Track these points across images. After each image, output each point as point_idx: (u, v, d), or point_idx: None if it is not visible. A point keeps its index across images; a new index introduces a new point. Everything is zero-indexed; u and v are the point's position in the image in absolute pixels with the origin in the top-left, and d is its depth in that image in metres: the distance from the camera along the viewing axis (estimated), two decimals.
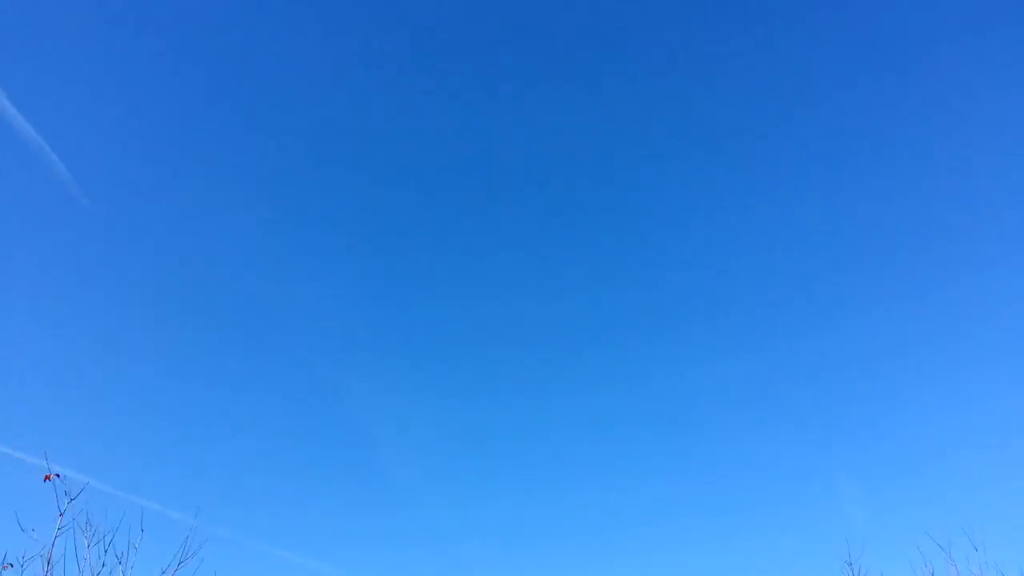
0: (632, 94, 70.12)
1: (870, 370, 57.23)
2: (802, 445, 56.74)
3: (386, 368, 57.49)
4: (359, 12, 65.10)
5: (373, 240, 62.93)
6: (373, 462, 55.89)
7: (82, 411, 52.45)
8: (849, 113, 68.49)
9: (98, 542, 11.59)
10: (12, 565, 10.95)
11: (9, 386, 50.24)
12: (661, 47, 69.59)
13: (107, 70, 63.67)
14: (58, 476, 11.45)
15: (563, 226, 66.83)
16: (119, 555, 11.54)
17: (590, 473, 54.94)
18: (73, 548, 11.37)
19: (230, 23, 64.36)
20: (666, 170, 70.22)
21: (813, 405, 60.94)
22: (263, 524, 50.23)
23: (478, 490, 57.09)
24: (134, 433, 52.41)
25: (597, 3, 67.84)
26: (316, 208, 63.14)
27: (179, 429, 52.67)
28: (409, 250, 62.82)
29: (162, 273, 58.33)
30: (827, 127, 68.21)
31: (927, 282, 66.41)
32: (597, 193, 68.44)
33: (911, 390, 60.41)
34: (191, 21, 65.98)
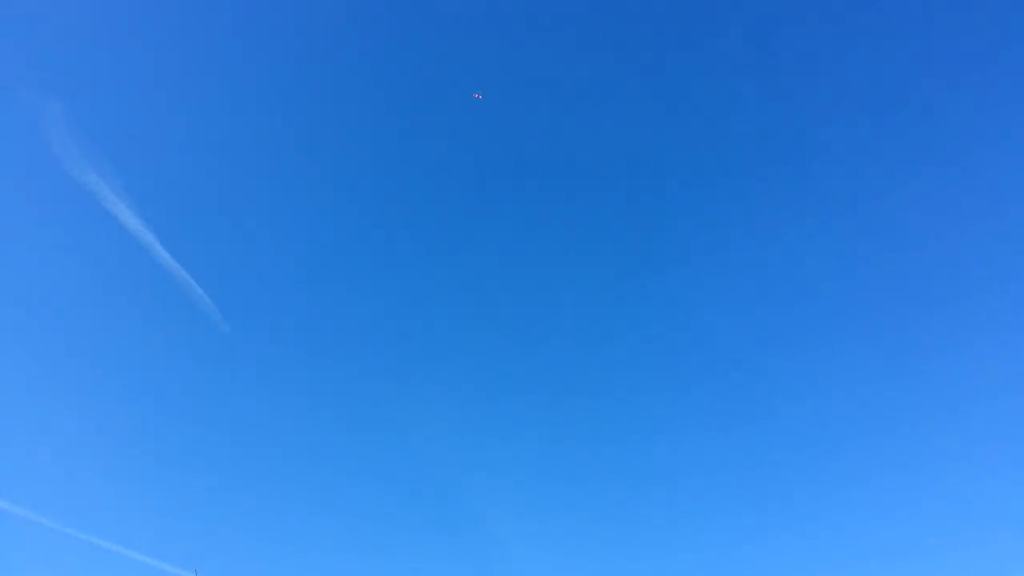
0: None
1: None
2: None
3: (501, 460, 60.44)
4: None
5: (483, 342, 65.28)
6: (490, 546, 59.11)
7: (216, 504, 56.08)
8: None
9: None
10: None
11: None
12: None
13: (243, 210, 66.68)
14: None
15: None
16: None
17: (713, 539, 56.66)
18: None
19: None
20: None
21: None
22: None
23: (598, 568, 59.85)
24: (275, 520, 56.39)
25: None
26: (431, 316, 65.80)
27: (316, 518, 56.64)
28: (521, 352, 64.88)
29: (294, 383, 61.71)
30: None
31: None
32: None
33: None
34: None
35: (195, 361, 62.46)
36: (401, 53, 67.60)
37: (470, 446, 63.90)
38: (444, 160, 68.97)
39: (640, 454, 66.06)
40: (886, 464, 62.48)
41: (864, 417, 64.39)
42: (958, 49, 66.41)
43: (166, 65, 64.57)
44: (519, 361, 69.24)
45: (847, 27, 67.85)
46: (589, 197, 72.09)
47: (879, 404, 64.67)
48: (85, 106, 61.21)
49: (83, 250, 61.02)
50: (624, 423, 67.59)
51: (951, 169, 67.22)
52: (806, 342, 69.21)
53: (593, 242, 71.66)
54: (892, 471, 62.30)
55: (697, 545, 61.53)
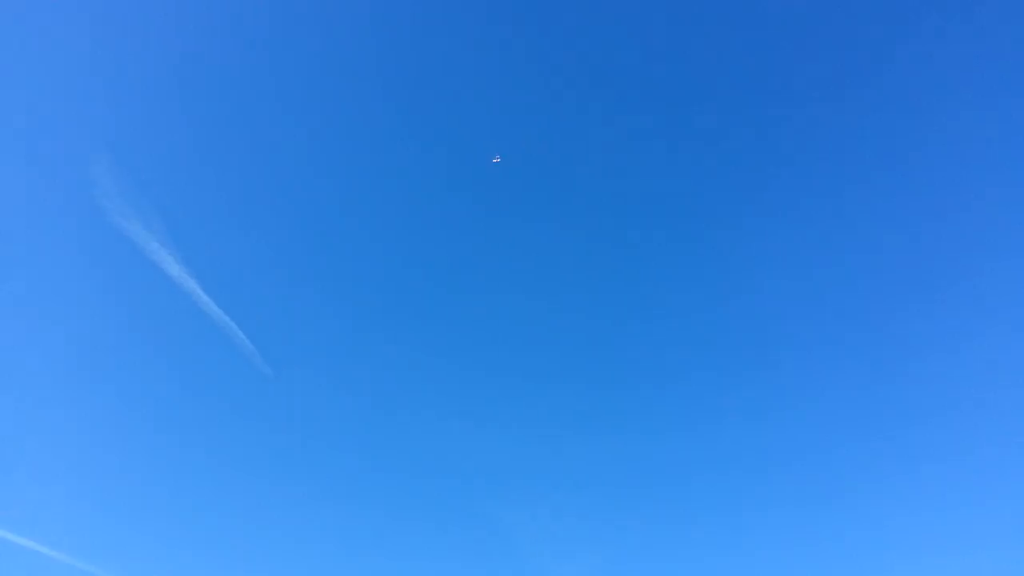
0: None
1: None
2: None
3: (540, 497, 61.28)
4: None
5: (523, 382, 66.82)
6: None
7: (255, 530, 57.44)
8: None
9: None
10: None
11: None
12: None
13: (285, 259, 69.65)
14: None
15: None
16: None
17: None
18: None
19: None
20: None
21: None
22: None
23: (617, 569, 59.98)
24: (328, 557, 57.76)
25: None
26: (468, 354, 67.81)
27: (356, 557, 57.74)
28: (559, 391, 66.49)
29: (335, 424, 63.38)
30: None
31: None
32: None
33: None
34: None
35: (239, 405, 63.20)
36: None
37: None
38: (480, 212, 70.82)
39: (659, 451, 66.51)
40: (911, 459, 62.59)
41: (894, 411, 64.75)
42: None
43: (208, 118, 67.07)
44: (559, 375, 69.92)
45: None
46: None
47: (901, 398, 65.12)
48: (130, 158, 63.42)
49: (129, 299, 62.46)
50: (643, 419, 68.14)
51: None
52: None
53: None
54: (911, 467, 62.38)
55: (714, 546, 61.59)
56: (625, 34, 70.77)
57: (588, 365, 70.11)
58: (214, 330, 62.28)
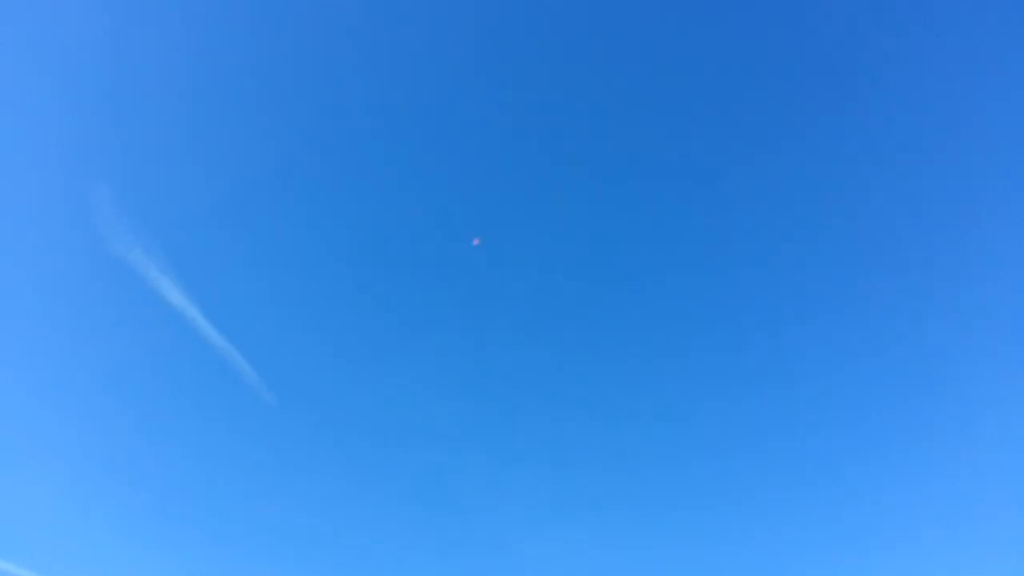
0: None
1: None
2: None
3: (548, 524, 60.26)
4: None
5: (530, 412, 65.79)
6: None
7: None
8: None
9: None
10: None
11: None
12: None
13: (287, 286, 68.69)
14: None
15: None
16: None
17: None
18: None
19: None
20: None
21: None
22: None
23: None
24: None
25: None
26: (479, 385, 66.84)
27: None
28: (567, 421, 65.55)
29: (339, 456, 62.47)
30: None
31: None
32: None
33: None
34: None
35: (241, 434, 62.18)
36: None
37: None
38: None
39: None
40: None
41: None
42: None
43: (211, 144, 66.39)
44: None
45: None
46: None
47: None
48: (130, 185, 62.75)
49: (129, 328, 61.54)
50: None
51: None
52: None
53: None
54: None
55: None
56: (623, 32, 69.80)
57: (605, 400, 68.72)
58: (216, 358, 61.34)
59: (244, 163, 64.52)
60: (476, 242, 61.02)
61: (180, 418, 60.47)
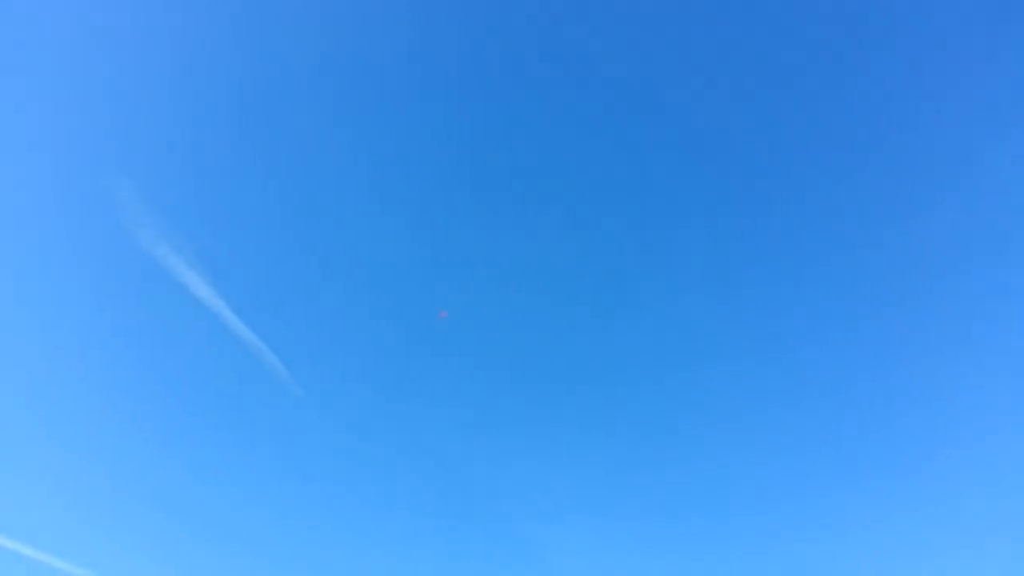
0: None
1: None
2: None
3: (579, 523, 60.95)
4: None
5: (562, 415, 66.16)
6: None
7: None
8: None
9: None
10: None
11: None
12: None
13: (313, 279, 69.10)
14: None
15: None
16: None
17: None
18: None
19: None
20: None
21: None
22: None
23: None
24: None
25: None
26: (510, 376, 67.16)
27: None
28: (600, 421, 65.93)
29: (369, 449, 62.97)
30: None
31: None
32: None
33: None
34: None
35: (269, 426, 63.53)
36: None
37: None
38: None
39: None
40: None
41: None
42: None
43: (235, 137, 67.10)
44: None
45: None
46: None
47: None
48: (155, 180, 63.43)
49: (159, 322, 62.54)
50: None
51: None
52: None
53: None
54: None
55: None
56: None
57: (634, 399, 70.07)
58: (244, 351, 62.59)
59: (270, 160, 65.36)
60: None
61: (207, 411, 61.74)
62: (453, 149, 70.11)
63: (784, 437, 67.92)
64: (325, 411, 64.01)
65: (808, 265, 70.21)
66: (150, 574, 55.22)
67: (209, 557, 57.78)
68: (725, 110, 69.49)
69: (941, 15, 64.59)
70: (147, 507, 57.95)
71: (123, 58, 62.84)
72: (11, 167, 62.37)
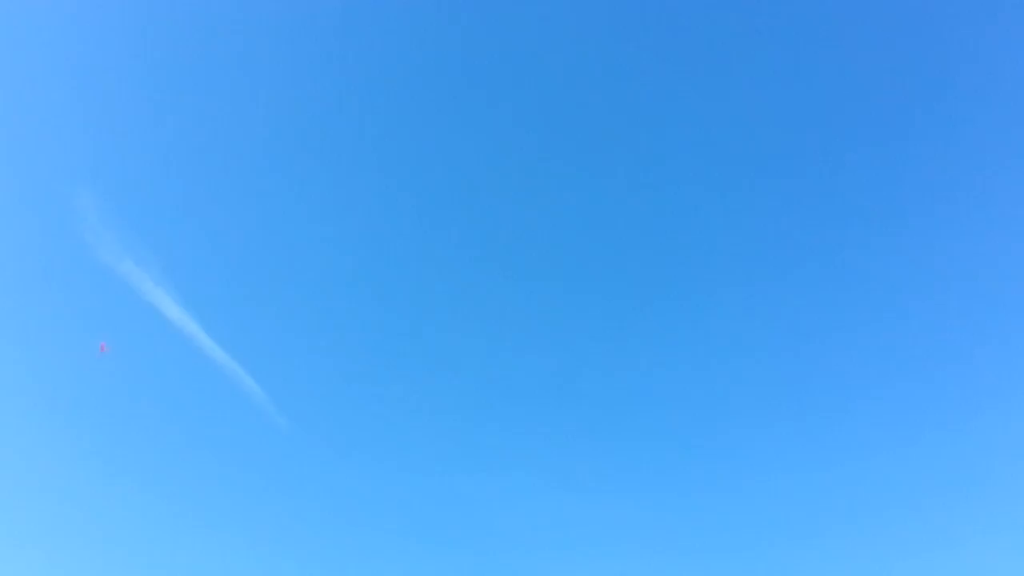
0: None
1: None
2: None
3: (582, 554, 56.93)
4: None
5: (569, 437, 62.08)
6: None
7: None
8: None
9: None
10: None
11: None
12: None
13: (292, 297, 64.06)
14: None
15: None
16: None
17: None
18: None
19: None
20: None
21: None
22: None
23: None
24: None
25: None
26: (496, 401, 62.96)
27: None
28: (602, 444, 62.06)
29: (356, 481, 58.25)
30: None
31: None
32: None
33: None
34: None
35: (251, 459, 59.03)
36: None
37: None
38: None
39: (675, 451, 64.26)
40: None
41: None
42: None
43: (194, 145, 62.45)
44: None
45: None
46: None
47: None
48: (117, 189, 58.51)
49: (125, 344, 57.54)
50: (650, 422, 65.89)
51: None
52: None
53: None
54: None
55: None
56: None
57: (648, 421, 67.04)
58: (220, 377, 58.16)
59: (245, 168, 60.91)
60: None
61: (183, 442, 57.07)
62: (440, 146, 66.17)
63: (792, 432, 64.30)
64: (311, 444, 59.51)
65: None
66: None
67: None
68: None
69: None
70: (120, 536, 53.19)
71: (89, 58, 57.89)
72: None
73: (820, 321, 66.31)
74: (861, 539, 58.80)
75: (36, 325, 55.81)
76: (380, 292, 64.29)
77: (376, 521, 57.28)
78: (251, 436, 56.35)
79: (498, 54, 67.64)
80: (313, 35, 61.23)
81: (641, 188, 69.12)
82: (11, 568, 50.80)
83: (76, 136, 57.58)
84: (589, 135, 67.74)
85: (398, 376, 62.00)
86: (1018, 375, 62.80)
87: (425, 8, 62.56)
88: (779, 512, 60.84)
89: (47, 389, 55.28)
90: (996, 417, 60.95)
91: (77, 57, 58.65)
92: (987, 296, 65.23)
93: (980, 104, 66.43)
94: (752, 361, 66.65)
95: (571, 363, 65.54)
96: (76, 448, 55.18)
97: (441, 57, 64.77)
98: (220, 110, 61.33)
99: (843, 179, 68.45)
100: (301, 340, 61.76)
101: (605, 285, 67.98)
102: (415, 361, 62.63)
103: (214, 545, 54.93)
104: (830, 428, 63.71)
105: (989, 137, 65.76)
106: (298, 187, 62.63)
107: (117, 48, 59.03)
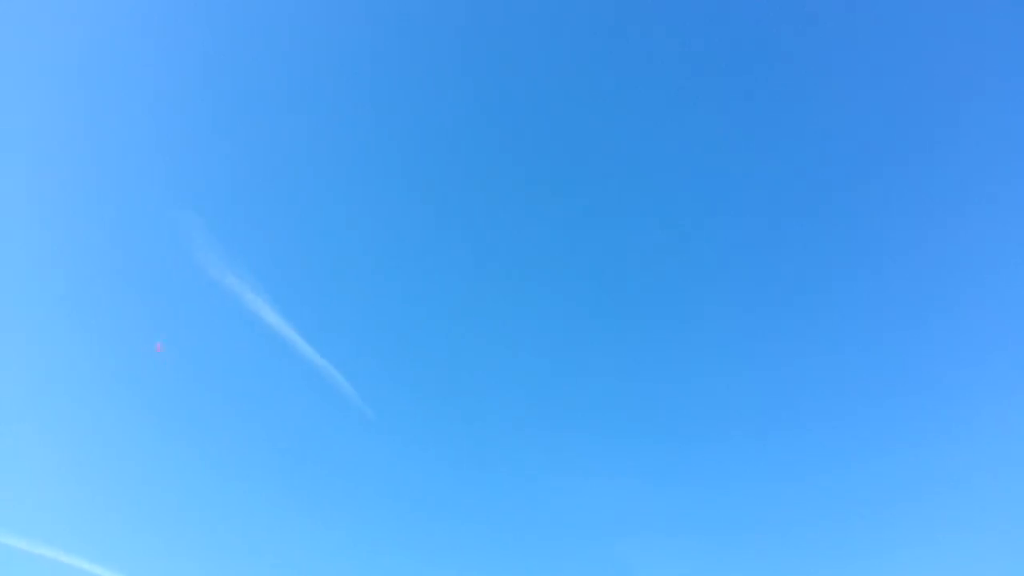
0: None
1: None
2: None
3: (668, 544, 58.43)
4: None
5: (646, 432, 63.44)
6: None
7: None
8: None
9: None
10: None
11: None
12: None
13: (379, 300, 67.54)
14: None
15: None
16: None
17: None
18: None
19: None
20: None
21: None
22: None
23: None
24: None
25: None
26: (601, 407, 64.25)
27: None
28: (686, 438, 63.32)
29: (444, 474, 61.36)
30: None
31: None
32: None
33: None
34: None
35: (342, 448, 64.41)
36: None
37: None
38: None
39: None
40: None
41: None
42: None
43: (287, 164, 68.54)
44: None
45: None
46: None
47: None
48: (220, 216, 64.43)
49: (228, 348, 63.59)
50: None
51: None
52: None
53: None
54: None
55: None
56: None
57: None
58: (313, 375, 64.06)
59: (331, 186, 66.01)
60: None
61: (279, 436, 62.11)
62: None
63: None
64: (396, 433, 64.34)
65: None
66: None
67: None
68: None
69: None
70: (220, 544, 58.43)
71: (188, 90, 64.08)
72: (77, 203, 63.33)
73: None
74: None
75: (148, 336, 61.32)
76: (467, 295, 67.47)
77: (464, 510, 61.00)
78: (344, 431, 61.28)
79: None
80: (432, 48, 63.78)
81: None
82: (142, 565, 55.81)
83: (179, 163, 63.45)
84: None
85: (482, 368, 65.86)
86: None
87: None
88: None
89: (164, 396, 60.72)
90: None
91: (180, 88, 64.12)
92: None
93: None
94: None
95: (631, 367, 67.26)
96: (195, 451, 60.43)
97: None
98: (319, 135, 66.33)
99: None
100: (389, 338, 66.54)
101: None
102: (499, 354, 66.02)
103: (320, 539, 59.83)
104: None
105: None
106: (386, 203, 66.39)
107: (220, 82, 64.57)
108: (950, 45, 70.97)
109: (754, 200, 72.70)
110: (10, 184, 61.99)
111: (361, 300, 71.63)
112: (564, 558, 62.08)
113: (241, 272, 63.75)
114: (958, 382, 68.08)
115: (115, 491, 59.91)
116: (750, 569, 61.02)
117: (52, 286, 62.60)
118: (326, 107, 69.24)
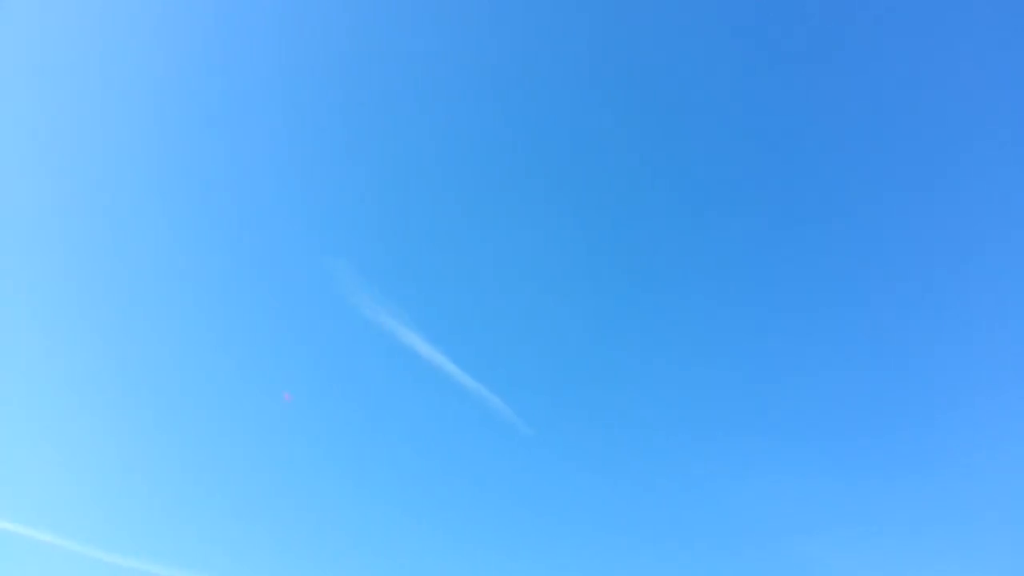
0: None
1: None
2: None
3: (852, 540, 58.02)
4: None
5: (826, 417, 62.80)
6: None
7: None
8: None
9: None
10: None
11: None
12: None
13: (527, 323, 67.63)
14: None
15: None
16: None
17: None
18: None
19: None
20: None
21: None
22: None
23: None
24: None
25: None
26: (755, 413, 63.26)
27: None
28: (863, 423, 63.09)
29: (611, 486, 60.85)
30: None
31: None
32: None
33: None
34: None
35: (502, 466, 66.55)
36: None
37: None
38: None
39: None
40: None
41: None
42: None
43: (425, 206, 71.12)
44: None
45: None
46: None
47: None
48: (367, 258, 67.11)
49: (386, 380, 65.60)
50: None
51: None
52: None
53: None
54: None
55: None
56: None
57: None
58: (469, 400, 66.99)
59: (470, 220, 67.84)
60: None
61: (449, 465, 64.06)
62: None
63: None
64: (557, 448, 65.29)
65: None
66: None
67: None
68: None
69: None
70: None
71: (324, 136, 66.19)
72: (234, 258, 65.79)
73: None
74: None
75: (313, 375, 63.05)
76: (623, 305, 68.67)
77: (629, 520, 62.48)
78: (505, 451, 63.40)
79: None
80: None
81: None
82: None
83: (326, 211, 65.24)
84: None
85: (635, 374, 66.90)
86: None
87: None
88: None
89: (335, 436, 62.51)
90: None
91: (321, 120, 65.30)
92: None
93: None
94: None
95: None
96: (368, 491, 61.88)
97: None
98: (455, 172, 68.43)
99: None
100: (539, 355, 68.33)
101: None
102: (651, 361, 67.00)
103: (475, 555, 61.81)
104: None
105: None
106: (525, 226, 67.95)
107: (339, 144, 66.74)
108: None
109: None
110: (171, 242, 62.64)
111: (507, 316, 72.75)
112: (746, 559, 63.52)
113: (392, 310, 66.97)
114: None
115: (288, 535, 61.38)
116: (931, 562, 62.69)
117: (219, 344, 62.84)
118: (476, 141, 68.05)
